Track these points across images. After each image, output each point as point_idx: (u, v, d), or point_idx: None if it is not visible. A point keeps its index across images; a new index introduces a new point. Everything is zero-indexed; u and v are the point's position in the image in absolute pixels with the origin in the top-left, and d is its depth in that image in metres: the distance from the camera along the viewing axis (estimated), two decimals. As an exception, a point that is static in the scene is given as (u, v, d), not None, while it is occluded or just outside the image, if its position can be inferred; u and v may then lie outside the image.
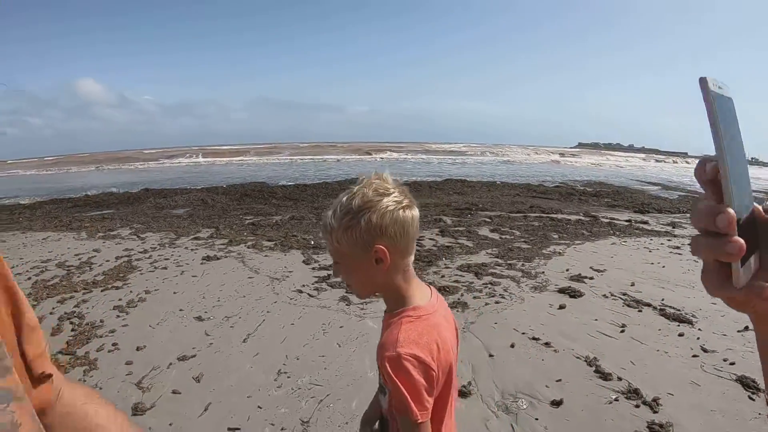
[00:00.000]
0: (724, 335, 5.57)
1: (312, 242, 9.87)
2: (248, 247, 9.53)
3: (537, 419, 3.92)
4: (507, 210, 15.03)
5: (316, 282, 7.26)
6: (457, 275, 7.73)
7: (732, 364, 4.84)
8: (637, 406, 4.09)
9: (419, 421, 1.35)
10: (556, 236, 11.10)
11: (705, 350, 5.13)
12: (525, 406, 4.09)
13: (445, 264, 8.40)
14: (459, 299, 6.60)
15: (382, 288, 1.52)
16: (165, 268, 8.14)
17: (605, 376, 4.54)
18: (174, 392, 4.22)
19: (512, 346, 5.22)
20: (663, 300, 6.65)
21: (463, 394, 4.25)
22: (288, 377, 4.47)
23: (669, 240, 11.13)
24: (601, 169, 51.77)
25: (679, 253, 9.67)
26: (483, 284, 7.27)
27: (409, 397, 1.33)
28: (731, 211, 0.58)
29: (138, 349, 5.05)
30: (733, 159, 0.59)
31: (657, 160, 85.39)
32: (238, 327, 5.66)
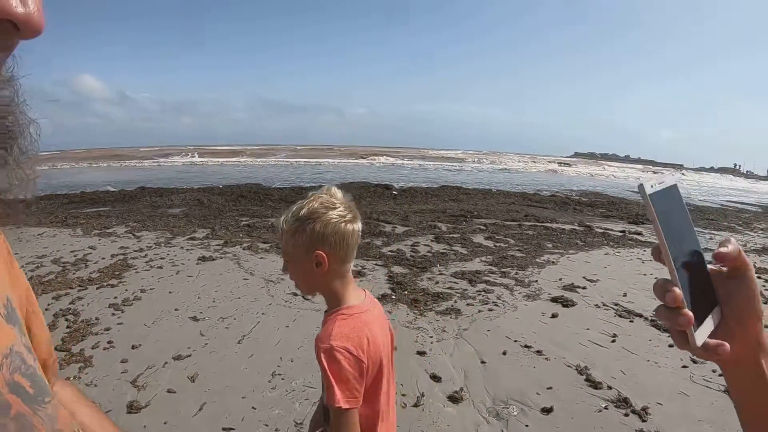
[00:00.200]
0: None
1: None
2: (244, 249, 9.56)
3: (527, 426, 3.98)
4: (502, 218, 15.09)
5: (311, 285, 7.29)
6: (451, 282, 7.79)
7: (721, 375, 4.87)
8: (627, 415, 4.15)
9: (344, 407, 1.51)
10: (550, 245, 11.16)
11: (694, 361, 5.19)
12: (516, 413, 4.15)
13: (439, 270, 8.46)
14: (452, 306, 6.65)
15: (321, 288, 1.73)
16: (160, 267, 8.16)
17: (595, 385, 4.61)
18: (169, 391, 4.26)
19: (504, 353, 5.28)
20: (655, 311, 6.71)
21: (455, 399, 4.30)
22: (282, 379, 4.52)
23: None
24: (597, 179, 51.94)
25: (672, 265, 9.73)
26: (477, 291, 7.33)
27: (337, 385, 1.51)
28: (677, 290, 0.70)
29: (133, 347, 5.08)
30: (677, 243, 0.74)
31: (653, 172, 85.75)
32: (233, 328, 5.70)
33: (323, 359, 1.54)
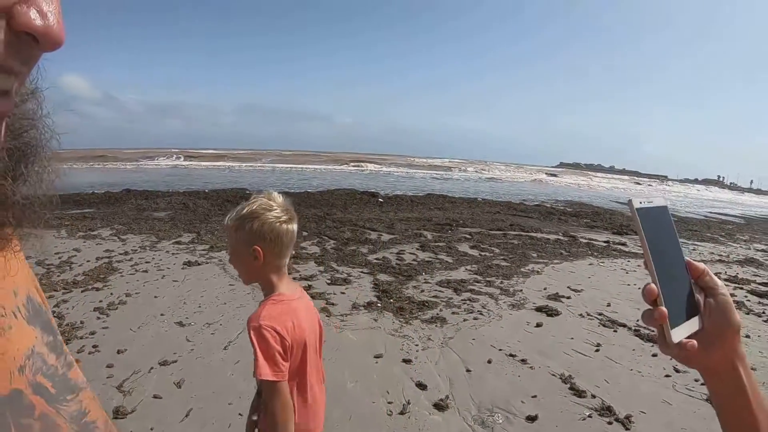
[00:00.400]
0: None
1: (293, 252, 9.89)
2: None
3: (512, 434, 4.01)
4: (487, 227, 15.16)
5: (297, 292, 7.28)
6: (436, 290, 7.81)
7: (703, 384, 4.94)
8: (610, 423, 4.19)
9: (273, 379, 1.78)
10: (534, 255, 11.24)
11: (677, 371, 5.26)
12: (501, 421, 4.17)
13: (424, 279, 8.48)
14: (438, 314, 6.67)
15: (258, 278, 1.99)
16: (146, 271, 8.11)
17: (579, 394, 4.65)
18: (155, 397, 4.23)
19: (489, 361, 5.31)
20: (638, 321, 6.77)
21: (441, 407, 4.32)
22: (268, 386, 4.52)
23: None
24: (582, 189, 52.28)
25: (655, 276, 9.84)
26: (462, 300, 7.36)
27: (265, 359, 1.77)
28: (653, 286, 0.82)
29: (119, 352, 5.04)
30: (661, 255, 0.85)
31: (637, 183, 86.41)
32: (219, 334, 5.68)
33: (252, 336, 1.80)
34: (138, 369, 4.72)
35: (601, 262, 10.95)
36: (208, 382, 4.52)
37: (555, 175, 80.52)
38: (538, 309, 7.13)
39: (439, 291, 7.79)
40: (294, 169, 52.69)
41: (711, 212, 33.93)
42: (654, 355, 5.67)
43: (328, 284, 7.79)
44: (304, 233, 12.08)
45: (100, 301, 6.51)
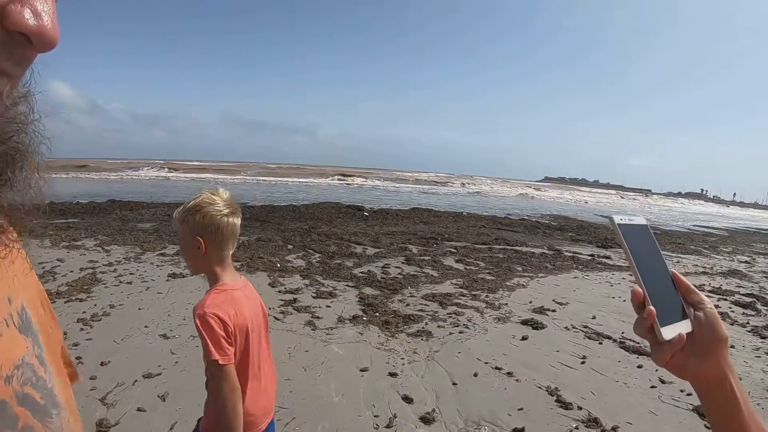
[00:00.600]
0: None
1: (278, 265, 9.85)
2: (215, 267, 9.43)
3: (499, 446, 3.99)
4: (472, 241, 15.19)
5: (282, 305, 7.23)
6: (422, 304, 7.79)
7: (689, 394, 5.00)
8: (596, 435, 4.20)
9: (220, 362, 1.90)
10: (520, 269, 11.27)
11: (663, 381, 5.28)
12: (487, 433, 4.17)
13: (410, 293, 8.47)
14: (423, 328, 6.65)
15: (203, 269, 2.12)
16: (130, 282, 8.03)
17: (566, 406, 4.65)
18: (139, 410, 4.17)
19: (475, 375, 5.29)
20: (623, 333, 6.83)
21: (427, 420, 4.29)
22: (253, 399, 4.47)
23: (630, 275, 11.38)
24: (567, 203, 52.58)
25: (640, 289, 9.91)
26: (447, 314, 7.35)
27: (211, 344, 1.89)
28: (637, 287, 0.87)
29: (102, 364, 4.97)
30: (646, 266, 0.89)
31: (621, 197, 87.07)
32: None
33: (198, 323, 1.93)
34: (122, 381, 4.66)
35: (586, 275, 11.01)
36: (193, 395, 4.46)
37: (539, 189, 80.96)
38: (524, 322, 7.14)
39: (425, 305, 7.78)
40: (280, 182, 52.53)
41: (696, 225, 34.31)
42: (639, 367, 5.70)
43: (314, 298, 7.75)
44: (289, 246, 12.06)
45: (84, 312, 6.43)
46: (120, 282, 8.03)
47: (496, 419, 4.37)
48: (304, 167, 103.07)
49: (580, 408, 4.63)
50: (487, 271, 10.63)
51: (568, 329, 6.98)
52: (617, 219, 0.90)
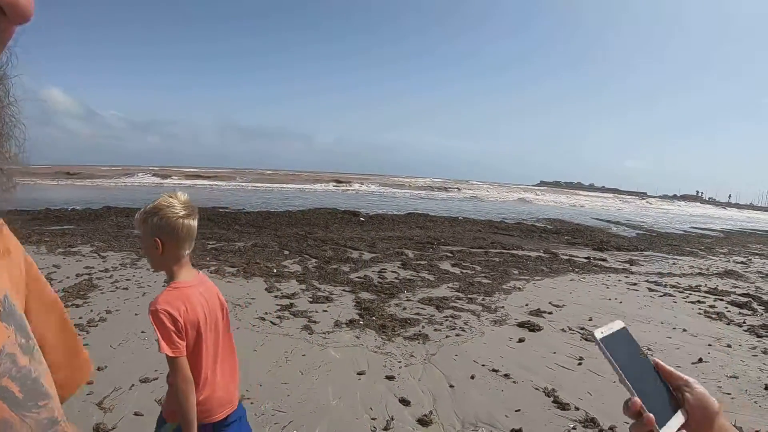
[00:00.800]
0: (679, 367, 5.68)
1: (275, 270, 9.84)
2: (210, 272, 9.41)
3: (496, 448, 3.99)
4: (469, 245, 15.21)
5: (279, 310, 7.23)
6: (418, 308, 7.79)
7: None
8: (594, 435, 4.20)
9: (171, 354, 2.06)
10: (516, 272, 11.29)
11: (661, 383, 5.29)
12: (485, 435, 4.17)
13: (406, 297, 8.46)
14: (420, 331, 6.65)
15: (161, 267, 2.26)
16: (126, 288, 8.01)
17: (563, 406, 4.65)
18: (136, 414, 4.16)
19: (472, 377, 5.29)
20: (620, 334, 6.83)
21: (424, 422, 4.29)
22: (251, 403, 4.45)
23: (626, 277, 11.45)
24: (563, 207, 52.65)
25: (636, 290, 9.96)
26: (444, 317, 7.35)
27: (162, 338, 2.06)
28: (636, 399, 0.89)
29: (99, 369, 4.95)
30: (631, 368, 0.94)
31: (623, 201, 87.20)
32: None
33: (151, 318, 2.09)
34: (119, 386, 4.65)
35: (582, 278, 11.04)
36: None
37: (536, 194, 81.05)
38: (520, 324, 7.14)
39: (421, 308, 7.78)
40: (276, 188, 52.42)
41: (693, 227, 34.39)
42: (636, 368, 5.71)
43: (310, 302, 7.74)
44: (286, 252, 12.05)
45: (80, 318, 6.41)
46: (116, 288, 8.02)
47: (493, 421, 4.37)
48: (300, 173, 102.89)
49: (577, 408, 4.63)
50: (483, 275, 10.64)
51: (565, 331, 6.99)
52: (598, 334, 0.95)
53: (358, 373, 5.23)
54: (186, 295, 2.20)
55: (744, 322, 7.95)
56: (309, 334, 6.36)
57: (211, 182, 56.58)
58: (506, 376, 5.35)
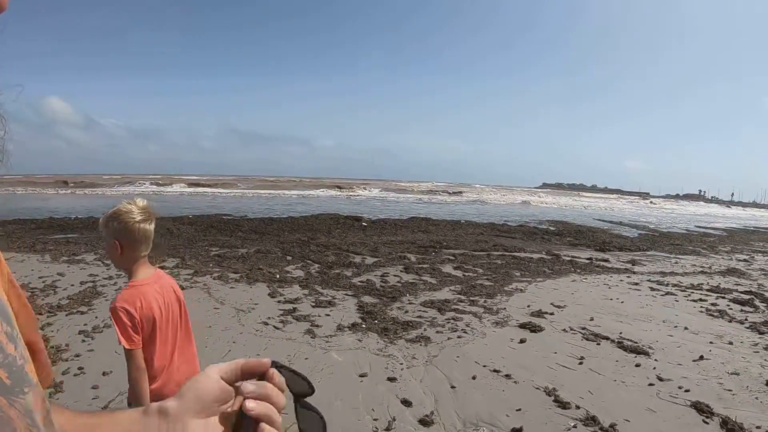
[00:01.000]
0: (680, 364, 5.80)
1: (278, 276, 9.87)
2: (214, 279, 9.47)
3: (497, 446, 4.02)
4: (471, 248, 15.23)
5: (282, 315, 7.26)
6: (420, 311, 7.83)
7: (687, 391, 5.05)
8: (595, 432, 4.23)
9: (127, 347, 2.34)
10: (518, 274, 11.32)
11: (661, 379, 5.33)
12: (486, 434, 4.19)
13: (408, 300, 8.49)
14: (422, 334, 6.67)
15: (122, 266, 2.52)
16: (130, 295, 8.05)
17: (564, 405, 4.68)
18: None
19: (474, 378, 5.32)
20: (621, 333, 6.86)
21: (426, 423, 4.32)
22: (253, 406, 4.49)
23: (628, 277, 11.47)
24: (565, 208, 52.59)
25: (638, 289, 9.99)
26: (446, 320, 7.38)
27: (120, 332, 2.33)
28: None
29: (104, 374, 4.99)
30: None
31: (621, 200, 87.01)
32: (204, 357, 5.58)
33: (111, 314, 2.38)
34: (124, 390, 4.66)
35: (584, 278, 11.06)
36: (193, 405, 4.49)
37: (540, 196, 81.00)
38: (522, 326, 7.17)
39: (423, 311, 7.81)
40: (278, 195, 52.33)
41: (698, 226, 34.37)
42: (638, 365, 5.74)
43: (313, 307, 7.78)
44: (288, 257, 12.09)
45: (85, 325, 6.47)
46: (120, 295, 8.03)
47: (494, 420, 4.40)
48: (302, 179, 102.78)
49: (578, 407, 4.65)
50: (485, 277, 10.67)
51: (566, 331, 7.01)
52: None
53: (360, 376, 5.26)
54: (142, 292, 2.44)
55: (746, 320, 7.97)
56: (312, 337, 6.39)
57: (213, 189, 56.53)
58: (507, 376, 5.38)
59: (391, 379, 5.19)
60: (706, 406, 4.69)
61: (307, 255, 12.56)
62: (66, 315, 6.88)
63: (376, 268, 11.21)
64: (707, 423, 4.43)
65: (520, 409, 4.61)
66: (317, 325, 6.85)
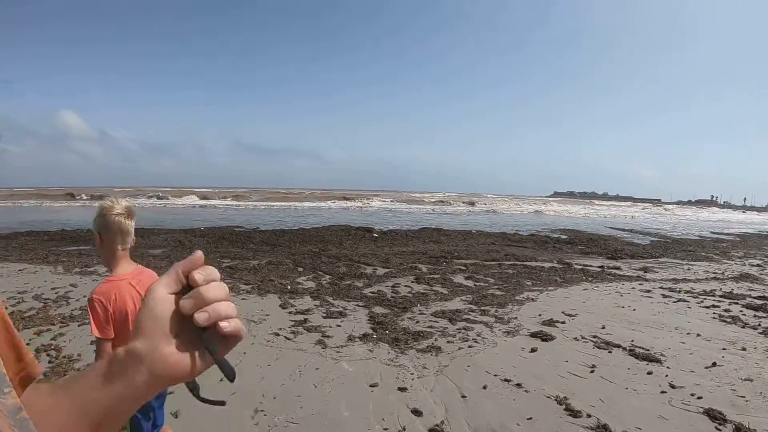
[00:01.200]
0: (692, 372, 5.77)
1: (289, 287, 9.91)
2: (226, 291, 9.48)
3: (508, 455, 4.01)
4: (482, 258, 15.21)
5: (293, 326, 7.29)
6: (431, 321, 7.83)
7: (699, 398, 5.02)
8: (605, 441, 4.21)
9: (98, 336, 2.59)
10: (529, 283, 11.30)
11: (673, 386, 5.30)
12: (496, 443, 4.19)
13: (419, 310, 8.50)
14: (433, 344, 6.67)
15: (104, 261, 2.83)
16: (142, 306, 8.12)
17: (575, 414, 4.66)
18: (151, 430, 4.24)
19: (484, 387, 5.31)
20: (633, 341, 6.83)
21: (436, 432, 4.33)
22: (265, 415, 4.51)
23: (640, 284, 11.42)
24: (577, 216, 52.40)
25: (650, 296, 9.94)
26: (457, 329, 7.37)
27: (93, 322, 2.60)
28: None
29: (114, 384, 5.05)
30: None
31: (633, 207, 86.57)
32: (215, 367, 5.67)
33: (88, 305, 2.62)
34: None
35: (596, 287, 11.02)
36: (205, 412, 4.50)
37: (551, 205, 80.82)
38: (533, 335, 7.15)
39: (434, 321, 7.81)
40: (290, 207, 52.45)
41: (712, 232, 34.17)
42: (649, 373, 5.71)
43: (324, 317, 7.80)
44: (300, 269, 12.13)
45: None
46: (132, 306, 8.11)
47: (504, 429, 4.39)
48: (313, 191, 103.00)
49: (589, 415, 4.64)
50: (496, 287, 10.66)
51: (578, 340, 6.99)
52: None
53: (371, 385, 5.27)
54: (117, 286, 2.69)
55: (759, 325, 7.91)
56: (322, 348, 6.41)
57: (225, 202, 56.76)
58: (518, 385, 5.37)
59: (402, 389, 5.19)
60: (719, 413, 4.66)
61: (318, 266, 12.59)
62: (78, 325, 6.94)
63: (387, 279, 11.22)
64: (720, 430, 4.40)
65: (531, 418, 4.60)
66: (328, 336, 6.88)
